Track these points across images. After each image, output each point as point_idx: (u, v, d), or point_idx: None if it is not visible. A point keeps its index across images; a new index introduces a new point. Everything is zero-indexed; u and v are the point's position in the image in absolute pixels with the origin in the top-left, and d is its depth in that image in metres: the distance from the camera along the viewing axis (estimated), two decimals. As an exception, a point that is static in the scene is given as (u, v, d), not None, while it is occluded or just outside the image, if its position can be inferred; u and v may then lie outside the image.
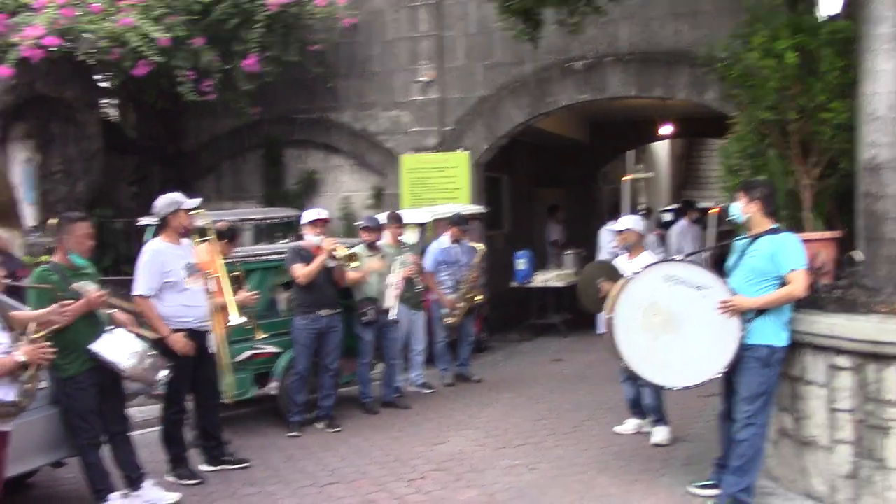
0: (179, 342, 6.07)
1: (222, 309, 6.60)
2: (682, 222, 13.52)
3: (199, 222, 6.76)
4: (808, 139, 6.25)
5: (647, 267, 5.69)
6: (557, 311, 13.27)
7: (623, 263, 7.03)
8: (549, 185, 16.82)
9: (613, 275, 6.58)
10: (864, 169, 5.75)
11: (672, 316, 5.41)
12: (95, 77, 12.06)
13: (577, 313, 13.03)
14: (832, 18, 6.55)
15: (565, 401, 8.66)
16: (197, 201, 6.31)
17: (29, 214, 11.23)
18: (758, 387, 5.26)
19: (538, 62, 11.74)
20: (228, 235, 7.10)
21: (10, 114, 10.98)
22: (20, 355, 4.52)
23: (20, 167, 11.18)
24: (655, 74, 11.24)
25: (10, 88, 10.65)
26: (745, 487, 5.34)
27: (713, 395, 6.15)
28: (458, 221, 9.58)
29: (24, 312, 4.99)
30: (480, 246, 9.83)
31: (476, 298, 9.60)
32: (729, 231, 11.42)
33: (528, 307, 13.23)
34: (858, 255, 5.70)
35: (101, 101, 13.11)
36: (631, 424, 7.35)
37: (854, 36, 6.01)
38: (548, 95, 11.83)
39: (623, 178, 12.86)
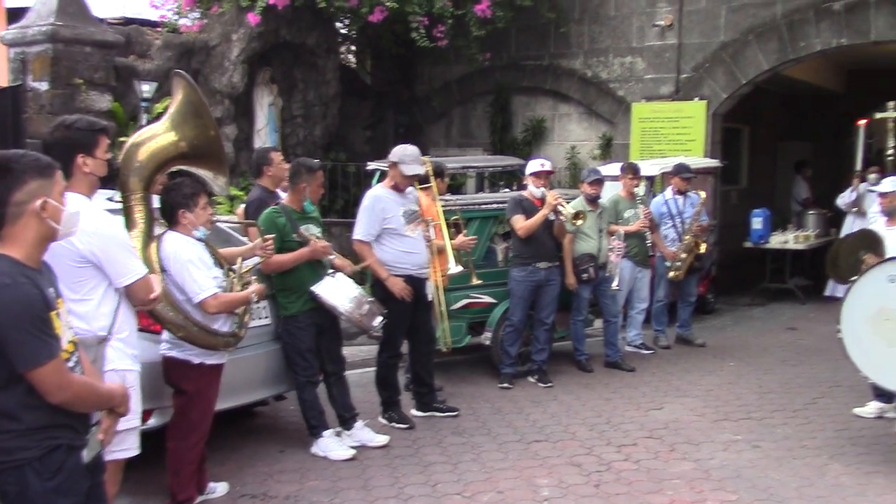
0: (397, 285, 6.11)
1: (440, 252, 6.56)
2: None
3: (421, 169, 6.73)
4: None
5: (865, 272, 5.20)
6: (795, 275, 12.28)
7: (881, 229, 6.26)
8: (796, 138, 15.55)
9: (878, 248, 5.86)
10: None
11: None
12: (335, 24, 12.45)
13: (816, 279, 12.03)
14: None
15: (798, 374, 7.99)
16: (414, 171, 6.21)
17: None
18: None
19: (791, 3, 10.79)
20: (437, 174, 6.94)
21: (257, 60, 11.57)
22: (253, 294, 4.75)
23: (264, 111, 11.77)
24: (932, 14, 9.94)
25: (257, 36, 11.23)
26: None
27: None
28: (681, 171, 9.02)
29: (231, 249, 5.18)
30: (702, 193, 9.19)
31: (700, 248, 9.00)
32: None
33: (762, 269, 12.35)
34: None
35: (340, 48, 13.55)
36: (872, 407, 6.63)
37: None
38: (800, 40, 10.83)
39: (859, 122, 11.36)
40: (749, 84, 11.37)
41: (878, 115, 11.39)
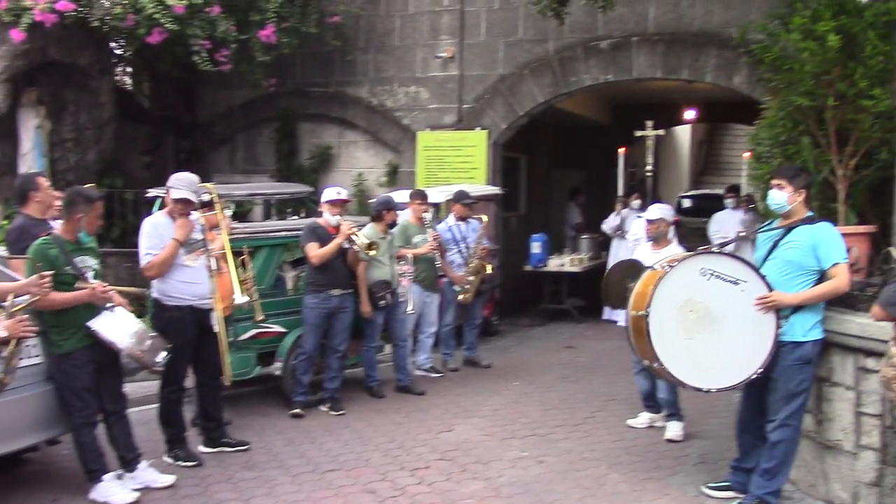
0: (186, 226, 5.89)
1: (220, 272, 6.32)
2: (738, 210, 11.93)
3: (205, 197, 6.53)
4: (846, 127, 5.94)
5: (682, 260, 5.27)
6: (571, 296, 13.01)
7: (646, 254, 6.74)
8: (569, 167, 16.51)
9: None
10: (905, 161, 5.46)
11: (708, 312, 5.07)
12: (110, 44, 11.85)
13: (590, 299, 12.79)
14: (873, 0, 6.21)
15: (576, 390, 8.43)
16: (184, 196, 5.95)
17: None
18: (797, 386, 5.01)
19: (562, 40, 11.44)
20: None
21: (22, 79, 10.79)
22: (0, 329, 4.32)
23: (30, 134, 10.97)
24: (683, 56, 10.92)
25: (22, 53, 10.44)
26: (774, 490, 5.11)
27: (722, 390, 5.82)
28: (462, 198, 9.32)
29: (2, 285, 4.78)
30: (483, 217, 9.54)
31: (486, 270, 9.34)
32: None
33: (541, 291, 12.98)
34: (895, 252, 5.41)
35: (115, 69, 12.91)
36: (644, 418, 7.11)
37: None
38: (571, 75, 11.53)
39: (620, 150, 12.23)
40: (526, 115, 11.94)
41: (638, 134, 12.13)
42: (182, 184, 5.98)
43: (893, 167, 5.64)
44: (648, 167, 12.11)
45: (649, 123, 11.86)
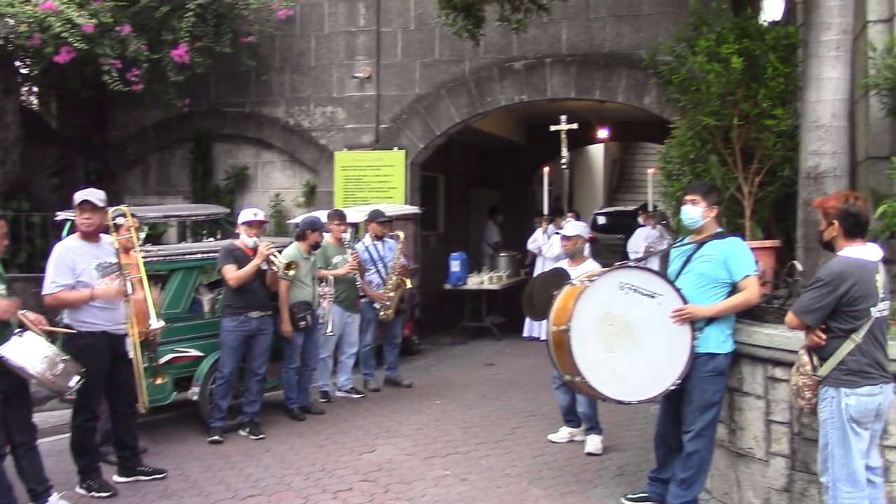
0: (110, 290, 5.74)
1: (136, 294, 6.14)
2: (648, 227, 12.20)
3: (119, 220, 6.36)
4: (750, 146, 6.18)
5: (601, 274, 5.33)
6: (490, 313, 13.12)
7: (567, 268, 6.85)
8: (486, 186, 16.69)
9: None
10: (805, 177, 5.70)
11: (627, 326, 5.13)
12: (15, 63, 11.50)
13: (510, 316, 12.93)
14: (773, 24, 6.50)
15: (497, 407, 8.48)
16: (84, 196, 5.80)
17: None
18: (711, 396, 5.15)
19: (477, 61, 11.60)
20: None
21: (-80, 99, 10.39)
22: None
23: (-70, 155, 10.56)
24: (595, 77, 11.19)
25: (-80, 72, 10.07)
26: (691, 500, 5.23)
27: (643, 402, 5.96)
28: (376, 217, 9.34)
29: None
30: (399, 234, 9.55)
31: (406, 285, 9.35)
32: None
33: (461, 310, 13.06)
34: (799, 265, 5.64)
35: (21, 89, 12.53)
36: (564, 432, 7.20)
37: (799, 42, 5.95)
38: (487, 95, 11.70)
39: (543, 168, 12.27)
40: (443, 135, 12.06)
41: (553, 128, 12.04)
42: (83, 193, 5.83)
43: (796, 184, 5.89)
44: (563, 160, 12.14)
45: (563, 118, 11.90)
